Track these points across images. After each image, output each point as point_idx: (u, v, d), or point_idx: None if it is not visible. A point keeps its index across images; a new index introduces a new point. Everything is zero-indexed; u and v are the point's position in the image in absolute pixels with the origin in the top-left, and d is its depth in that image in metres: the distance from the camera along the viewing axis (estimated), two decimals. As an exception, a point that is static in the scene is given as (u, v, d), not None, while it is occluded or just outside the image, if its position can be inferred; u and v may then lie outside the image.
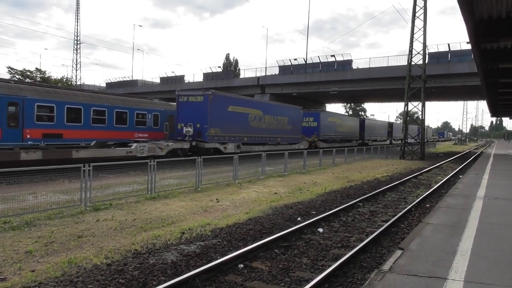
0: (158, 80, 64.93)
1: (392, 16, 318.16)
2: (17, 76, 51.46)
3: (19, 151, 14.47)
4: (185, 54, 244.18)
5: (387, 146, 38.74)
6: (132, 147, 18.33)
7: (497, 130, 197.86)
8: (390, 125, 62.90)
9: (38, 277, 5.12)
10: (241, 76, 59.78)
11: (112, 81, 71.14)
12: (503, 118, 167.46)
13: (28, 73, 53.68)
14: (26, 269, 5.38)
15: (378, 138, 55.02)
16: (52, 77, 57.93)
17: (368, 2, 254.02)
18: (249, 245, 6.60)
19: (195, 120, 22.04)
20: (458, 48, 36.62)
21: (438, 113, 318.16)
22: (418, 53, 30.81)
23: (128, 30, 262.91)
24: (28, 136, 16.23)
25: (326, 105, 64.14)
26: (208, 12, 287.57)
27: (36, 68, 56.54)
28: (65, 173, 10.41)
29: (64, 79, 64.23)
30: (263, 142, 27.93)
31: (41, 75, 54.91)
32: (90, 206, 9.22)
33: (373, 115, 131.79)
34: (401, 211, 10.07)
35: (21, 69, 53.71)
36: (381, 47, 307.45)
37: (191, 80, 58.91)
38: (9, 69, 52.30)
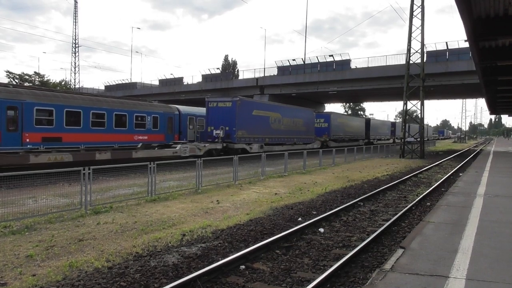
0: (157, 82, 64.93)
1: (390, 16, 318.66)
2: (15, 80, 51.47)
3: (95, 152, 16.77)
4: (184, 56, 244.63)
5: (386, 145, 39.13)
6: (177, 148, 20.20)
7: (496, 127, 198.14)
8: (393, 124, 65.62)
9: (39, 281, 5.11)
10: (240, 77, 59.77)
11: (111, 83, 71.14)
12: (502, 116, 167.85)
13: (27, 77, 53.69)
14: (27, 274, 5.37)
15: (382, 137, 57.39)
16: (51, 81, 57.96)
17: (366, 2, 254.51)
18: (250, 246, 6.59)
19: (224, 123, 24.16)
20: (456, 47, 36.64)
21: (437, 111, 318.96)
22: (417, 51, 30.84)
23: (126, 32, 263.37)
24: (27, 140, 16.21)
25: (325, 105, 64.13)
26: (207, 14, 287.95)
27: (35, 72, 56.56)
28: (65, 177, 10.40)
29: (63, 83, 64.27)
30: (282, 143, 30.11)
31: (39, 79, 54.92)
32: (91, 209, 9.21)
33: (372, 114, 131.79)
34: (401, 210, 10.07)
35: (20, 73, 53.74)
36: (380, 46, 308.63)
37: (190, 82, 58.93)
38: (8, 73, 52.33)
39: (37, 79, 54.71)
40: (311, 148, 30.84)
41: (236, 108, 24.47)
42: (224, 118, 24.30)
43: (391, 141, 58.04)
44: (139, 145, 19.69)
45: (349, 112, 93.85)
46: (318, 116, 39.49)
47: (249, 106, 26.43)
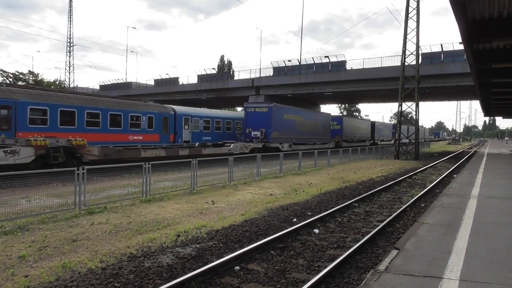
0: (152, 82, 64.61)
1: (386, 17, 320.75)
2: (9, 79, 51.06)
3: (178, 149, 19.94)
4: (180, 56, 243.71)
5: (381, 147, 39.46)
6: (231, 146, 23.92)
7: (490, 129, 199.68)
8: (394, 127, 69.43)
9: (32, 283, 5.06)
10: (236, 77, 59.66)
11: (106, 83, 70.67)
12: (496, 118, 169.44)
13: (21, 76, 53.29)
14: (19, 275, 5.31)
15: (385, 139, 62.52)
16: (45, 80, 57.60)
17: (362, 4, 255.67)
18: (245, 247, 6.58)
19: (261, 126, 28.19)
20: (451, 49, 36.78)
21: (431, 113, 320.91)
22: (412, 53, 30.98)
23: (122, 32, 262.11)
24: (21, 140, 16.05)
25: (321, 106, 64.21)
26: (203, 14, 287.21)
27: (29, 71, 56.12)
28: (59, 177, 10.32)
29: (57, 82, 63.88)
30: (305, 143, 34.11)
31: (34, 78, 54.54)
32: (85, 210, 9.15)
33: (368, 115, 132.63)
34: (396, 211, 10.11)
35: (14, 72, 53.32)
36: (376, 48, 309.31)
37: (185, 82, 58.68)
38: (1, 71, 51.90)
39: (31, 78, 54.32)
40: (326, 148, 34.08)
41: (271, 112, 28.46)
42: (261, 121, 28.21)
43: (392, 142, 60.39)
44: (197, 144, 23.36)
45: (344, 113, 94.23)
46: (332, 119, 43.20)
47: (281, 111, 30.47)
